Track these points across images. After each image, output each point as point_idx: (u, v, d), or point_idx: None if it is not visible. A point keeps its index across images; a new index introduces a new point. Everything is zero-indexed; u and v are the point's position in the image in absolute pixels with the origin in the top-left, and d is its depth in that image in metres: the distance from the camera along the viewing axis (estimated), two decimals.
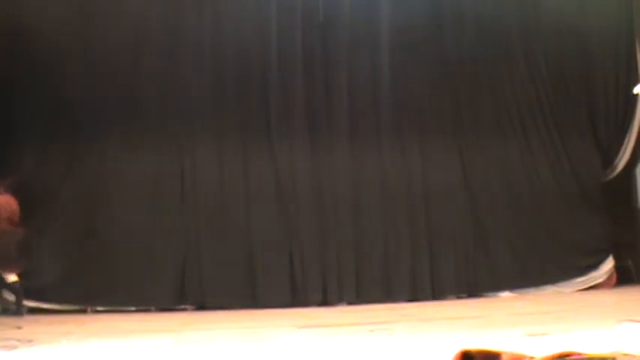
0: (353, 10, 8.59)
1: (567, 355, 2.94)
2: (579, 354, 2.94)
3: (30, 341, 5.13)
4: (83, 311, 7.75)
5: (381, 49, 8.67)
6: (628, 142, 9.16)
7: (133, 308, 7.88)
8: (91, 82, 8.07)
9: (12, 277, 7.42)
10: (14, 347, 4.83)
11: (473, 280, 8.62)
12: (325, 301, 8.16)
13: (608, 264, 8.94)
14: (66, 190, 8.00)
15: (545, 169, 9.01)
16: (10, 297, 7.74)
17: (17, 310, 7.32)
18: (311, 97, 8.54)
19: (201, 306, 8.06)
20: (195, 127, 8.35)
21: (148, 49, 8.31)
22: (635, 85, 8.22)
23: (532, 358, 2.99)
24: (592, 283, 8.85)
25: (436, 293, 8.41)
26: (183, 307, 8.02)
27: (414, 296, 8.31)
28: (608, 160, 9.20)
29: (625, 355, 3.03)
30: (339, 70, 8.61)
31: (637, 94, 8.51)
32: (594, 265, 8.91)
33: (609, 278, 8.93)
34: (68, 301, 7.73)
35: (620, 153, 9.18)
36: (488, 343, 3.68)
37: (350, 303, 8.17)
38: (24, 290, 7.74)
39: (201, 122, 8.36)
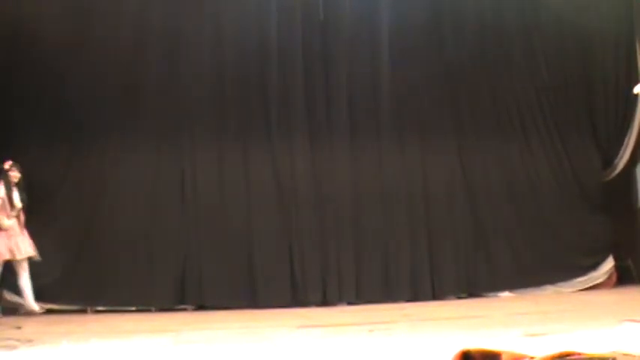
0: (353, 9, 8.59)
1: (567, 355, 2.94)
2: (579, 354, 2.94)
3: (30, 341, 5.13)
4: (83, 311, 7.75)
5: (381, 48, 8.67)
6: (628, 142, 9.16)
7: (133, 308, 7.89)
8: (91, 82, 8.08)
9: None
10: (14, 347, 4.83)
11: (473, 280, 8.62)
12: (325, 301, 8.17)
13: (608, 264, 8.93)
14: (66, 190, 8.01)
15: (545, 169, 9.01)
16: (11, 297, 7.74)
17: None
18: (311, 97, 8.54)
19: (201, 306, 8.06)
20: (196, 127, 8.35)
21: (147, 49, 8.32)
22: (635, 85, 8.22)
23: (532, 358, 2.99)
24: (592, 283, 8.85)
25: (436, 293, 8.42)
26: (183, 307, 8.02)
27: (414, 296, 8.31)
28: (608, 160, 9.20)
29: (625, 355, 3.03)
30: (339, 69, 8.61)
31: (637, 94, 8.51)
32: (594, 265, 8.91)
33: (609, 278, 8.94)
34: (68, 301, 7.73)
35: (620, 153, 9.17)
36: (488, 343, 3.68)
37: (350, 303, 8.17)
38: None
39: (201, 122, 8.36)
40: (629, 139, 9.15)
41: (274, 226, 8.27)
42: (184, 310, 7.99)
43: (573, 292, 8.68)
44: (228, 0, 8.53)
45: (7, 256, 7.42)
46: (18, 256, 7.45)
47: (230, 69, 8.46)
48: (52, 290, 7.74)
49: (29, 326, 6.32)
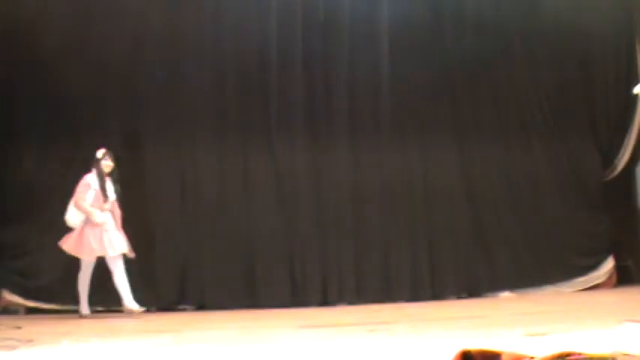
0: (353, 10, 8.59)
1: (567, 355, 2.94)
2: (579, 354, 2.94)
3: (30, 341, 5.13)
4: None
5: (381, 49, 8.67)
6: (628, 142, 9.17)
7: None
8: (91, 82, 8.07)
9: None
10: (14, 347, 4.83)
11: (473, 280, 8.62)
12: (325, 301, 8.17)
13: (609, 264, 8.94)
14: (66, 190, 7.99)
15: (545, 169, 9.01)
16: (11, 297, 7.74)
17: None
18: (311, 97, 8.54)
19: (201, 306, 8.06)
20: (196, 127, 8.35)
21: (148, 49, 8.32)
22: (635, 85, 8.22)
23: (532, 358, 2.99)
24: (592, 283, 8.85)
25: (436, 293, 8.42)
26: (183, 307, 8.03)
27: (414, 296, 8.31)
28: (608, 160, 9.21)
29: (625, 355, 3.03)
30: (339, 70, 8.61)
31: (637, 94, 8.51)
32: (594, 265, 8.91)
33: (609, 278, 8.94)
34: (68, 301, 7.72)
35: (620, 153, 9.19)
36: (488, 343, 3.68)
37: (350, 303, 8.18)
38: (24, 290, 7.75)
39: (202, 122, 8.37)
40: (629, 139, 9.16)
41: (274, 226, 8.26)
42: (184, 310, 7.99)
43: (573, 292, 8.68)
44: (229, 0, 8.54)
45: (98, 253, 7.15)
46: (110, 253, 7.17)
47: (230, 69, 8.46)
48: (52, 290, 7.74)
49: (29, 326, 6.32)
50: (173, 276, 8.05)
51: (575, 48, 9.10)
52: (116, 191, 7.40)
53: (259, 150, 8.38)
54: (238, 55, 8.44)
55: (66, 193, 7.93)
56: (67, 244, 7.18)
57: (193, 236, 8.17)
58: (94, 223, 7.17)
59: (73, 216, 7.25)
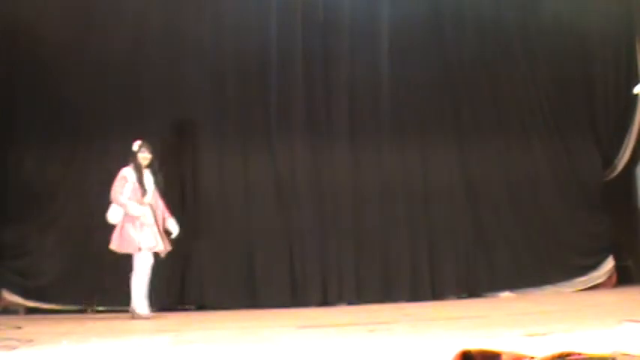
0: (353, 9, 8.60)
1: (567, 355, 2.94)
2: (579, 354, 2.95)
3: (30, 341, 5.13)
4: (83, 311, 7.75)
5: (381, 49, 8.67)
6: (628, 142, 9.16)
7: None
8: (91, 82, 8.08)
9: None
10: (14, 347, 4.82)
11: (473, 280, 8.62)
12: (325, 301, 8.17)
13: (609, 264, 8.93)
14: (66, 190, 8.00)
15: (545, 169, 9.00)
16: (11, 297, 7.74)
17: None
18: (311, 97, 8.54)
19: (201, 306, 8.06)
20: (196, 127, 8.36)
21: (148, 49, 8.32)
22: (635, 85, 8.22)
23: (532, 358, 2.99)
24: (592, 283, 8.85)
25: (436, 293, 8.42)
26: (183, 307, 8.03)
27: (414, 296, 8.31)
28: (608, 160, 9.20)
29: (625, 355, 3.03)
30: (339, 70, 8.61)
31: (637, 94, 8.51)
32: (594, 265, 8.91)
33: (609, 278, 8.94)
34: (68, 301, 7.73)
35: (620, 153, 9.18)
36: (488, 343, 3.68)
37: (350, 303, 8.18)
38: (24, 290, 7.75)
39: (202, 122, 8.37)
40: (629, 139, 9.16)
41: (274, 226, 8.26)
42: (184, 310, 7.99)
43: (573, 292, 8.68)
44: (228, 0, 8.54)
45: (141, 245, 6.99)
46: (144, 249, 7.05)
47: (230, 69, 8.47)
48: (52, 290, 7.75)
49: (29, 326, 6.32)
50: (173, 276, 8.05)
51: (575, 48, 9.10)
52: (157, 182, 7.25)
53: (259, 150, 8.38)
54: (238, 55, 8.44)
55: (66, 193, 7.96)
56: (113, 243, 7.04)
57: (193, 236, 8.16)
58: (133, 216, 7.05)
59: (113, 214, 7.08)
